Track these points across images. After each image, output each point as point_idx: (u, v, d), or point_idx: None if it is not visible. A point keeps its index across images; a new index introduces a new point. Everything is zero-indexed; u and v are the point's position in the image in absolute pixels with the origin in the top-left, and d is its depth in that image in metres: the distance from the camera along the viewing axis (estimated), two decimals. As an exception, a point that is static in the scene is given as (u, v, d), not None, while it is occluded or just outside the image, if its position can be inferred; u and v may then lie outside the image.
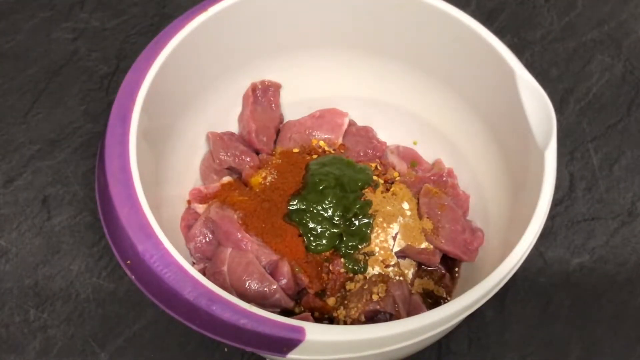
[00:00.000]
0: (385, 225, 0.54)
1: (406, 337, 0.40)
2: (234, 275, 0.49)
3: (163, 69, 0.49)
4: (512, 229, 0.48)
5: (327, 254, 0.52)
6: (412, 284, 0.54)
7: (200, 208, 0.54)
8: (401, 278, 0.53)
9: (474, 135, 0.56)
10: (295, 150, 0.58)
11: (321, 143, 0.59)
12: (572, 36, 0.73)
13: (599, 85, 0.69)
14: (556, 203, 0.62)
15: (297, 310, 0.51)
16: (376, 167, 0.58)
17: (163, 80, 0.49)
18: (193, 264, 0.52)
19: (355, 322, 0.49)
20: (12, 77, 0.67)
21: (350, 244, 0.52)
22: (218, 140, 0.57)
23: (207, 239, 0.52)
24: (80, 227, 0.59)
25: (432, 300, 0.54)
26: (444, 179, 0.58)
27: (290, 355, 0.40)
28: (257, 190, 0.55)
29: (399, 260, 0.54)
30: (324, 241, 0.52)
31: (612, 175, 0.64)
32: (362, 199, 0.54)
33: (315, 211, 0.52)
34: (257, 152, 0.59)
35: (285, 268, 0.49)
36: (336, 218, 0.53)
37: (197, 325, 0.41)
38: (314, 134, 0.59)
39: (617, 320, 0.57)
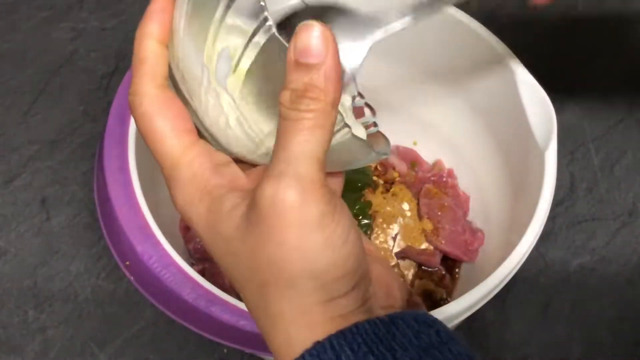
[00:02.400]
0: (385, 226, 0.54)
1: (406, 338, 0.40)
2: (234, 276, 0.49)
3: (162, 69, 0.49)
4: (513, 230, 0.48)
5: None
6: (412, 284, 0.54)
7: (199, 208, 0.54)
8: (401, 279, 0.53)
9: (474, 135, 0.56)
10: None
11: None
12: (572, 36, 0.73)
13: (599, 85, 0.69)
14: (557, 203, 0.61)
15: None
16: (376, 167, 0.58)
17: (162, 81, 0.49)
18: (192, 264, 0.52)
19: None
20: (10, 77, 0.66)
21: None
22: (217, 141, 0.57)
23: (207, 240, 0.52)
24: (79, 228, 0.59)
25: (432, 301, 0.54)
26: (444, 179, 0.58)
27: (289, 357, 0.40)
28: (257, 190, 0.54)
29: (399, 261, 0.54)
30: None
31: (613, 176, 0.63)
32: (362, 200, 0.54)
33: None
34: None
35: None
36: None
37: (196, 327, 0.41)
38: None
39: (618, 321, 0.57)
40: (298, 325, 0.26)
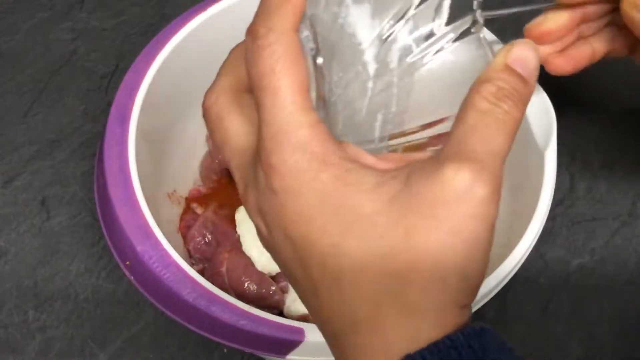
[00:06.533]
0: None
1: (406, 338, 0.40)
2: (233, 276, 0.49)
3: (162, 69, 0.49)
4: (512, 230, 0.48)
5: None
6: (412, 284, 0.54)
7: (199, 208, 0.54)
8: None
9: (474, 135, 0.56)
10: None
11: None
12: (572, 36, 0.73)
13: (600, 84, 0.69)
14: (556, 203, 0.61)
15: (296, 311, 0.51)
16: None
17: (162, 81, 0.49)
18: (192, 264, 0.52)
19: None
20: (10, 77, 0.66)
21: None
22: (217, 141, 0.57)
23: (206, 240, 0.52)
24: (79, 228, 0.59)
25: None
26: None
27: (289, 356, 0.40)
28: (257, 190, 0.54)
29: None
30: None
31: (613, 176, 0.63)
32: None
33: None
34: (257, 153, 0.59)
35: (284, 269, 0.49)
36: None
37: (196, 326, 0.41)
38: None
39: (618, 321, 0.56)
40: (432, 324, 0.24)
